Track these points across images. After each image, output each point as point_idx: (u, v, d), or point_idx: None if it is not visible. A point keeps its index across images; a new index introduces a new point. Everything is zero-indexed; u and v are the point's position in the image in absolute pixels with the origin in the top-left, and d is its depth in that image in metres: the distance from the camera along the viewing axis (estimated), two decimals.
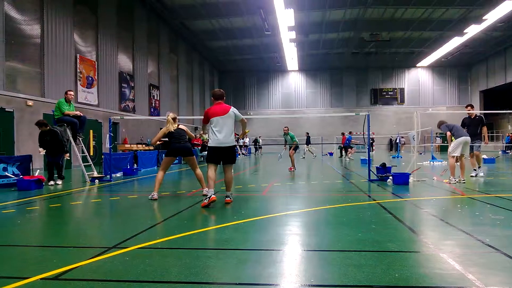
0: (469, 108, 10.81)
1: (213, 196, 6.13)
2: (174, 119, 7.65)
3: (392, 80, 45.05)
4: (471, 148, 10.56)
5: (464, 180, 9.46)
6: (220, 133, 6.38)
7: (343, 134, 27.38)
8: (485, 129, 10.65)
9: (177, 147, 7.37)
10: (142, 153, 16.26)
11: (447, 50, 35.26)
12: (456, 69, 44.03)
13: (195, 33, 32.84)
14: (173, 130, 7.50)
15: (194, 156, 7.75)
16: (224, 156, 6.49)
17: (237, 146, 32.81)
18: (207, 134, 6.75)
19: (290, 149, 14.82)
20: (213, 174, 6.45)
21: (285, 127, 15.07)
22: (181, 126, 7.70)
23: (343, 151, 25.45)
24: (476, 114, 10.65)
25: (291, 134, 14.82)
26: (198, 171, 7.61)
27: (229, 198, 6.55)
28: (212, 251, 3.67)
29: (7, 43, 13.65)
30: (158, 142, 7.89)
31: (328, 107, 45.22)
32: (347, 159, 22.82)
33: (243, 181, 10.85)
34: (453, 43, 32.60)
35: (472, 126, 10.57)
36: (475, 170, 10.72)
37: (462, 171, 9.70)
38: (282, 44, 32.27)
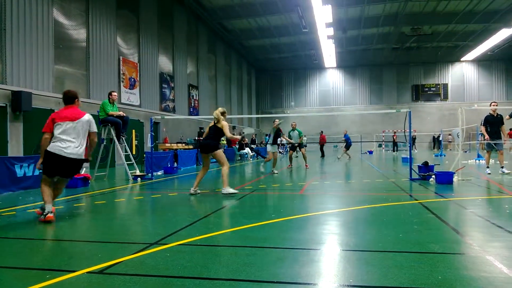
0: (494, 107, 10.97)
1: (49, 215, 5.05)
2: (222, 113, 7.85)
3: (434, 76, 43.51)
4: (496, 146, 10.89)
5: None
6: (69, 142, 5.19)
7: (321, 132, 26.74)
8: (503, 127, 10.97)
9: (199, 144, 7.76)
10: (182, 152, 16.59)
11: (494, 43, 33.53)
12: (503, 63, 41.87)
13: (232, 33, 33.12)
14: (210, 126, 7.87)
15: (219, 152, 7.68)
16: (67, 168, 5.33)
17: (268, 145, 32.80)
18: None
19: (296, 147, 14.82)
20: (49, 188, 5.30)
21: (293, 122, 14.95)
22: (219, 124, 7.75)
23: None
24: (497, 113, 10.95)
25: (299, 130, 14.90)
26: (224, 168, 7.65)
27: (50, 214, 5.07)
28: (250, 249, 3.70)
29: (55, 47, 14.32)
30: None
31: (367, 104, 44.32)
32: (340, 157, 22.29)
33: (280, 180, 10.85)
34: (501, 35, 30.95)
35: (495, 124, 10.87)
36: (502, 167, 10.93)
37: None
38: (319, 41, 31.91)
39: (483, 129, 11.04)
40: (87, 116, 5.41)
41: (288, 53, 40.25)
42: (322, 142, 26.39)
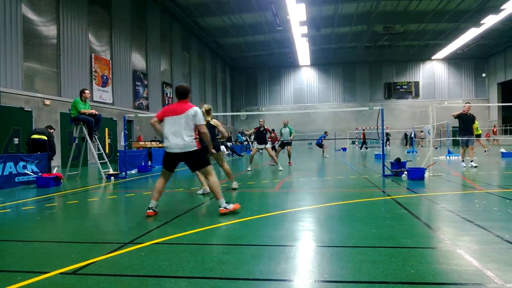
0: (468, 106, 12.35)
1: (149, 211, 5.19)
2: (207, 111, 7.46)
3: (406, 74, 44.48)
4: (467, 142, 12.23)
5: None
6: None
7: (273, 131, 26.73)
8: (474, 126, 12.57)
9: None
10: (156, 150, 16.38)
11: (463, 42, 34.55)
12: (472, 61, 43.21)
13: (207, 31, 32.93)
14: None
15: (220, 152, 7.66)
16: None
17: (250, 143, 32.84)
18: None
19: (285, 144, 14.99)
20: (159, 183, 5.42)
21: (285, 119, 15.12)
22: (212, 122, 7.48)
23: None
24: (470, 112, 12.31)
25: (290, 127, 14.98)
26: (226, 165, 7.80)
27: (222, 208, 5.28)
28: (225, 247, 3.69)
29: (25, 44, 13.89)
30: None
31: (341, 102, 44.91)
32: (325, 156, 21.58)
33: (256, 177, 10.87)
34: (470, 34, 31.94)
35: (467, 122, 12.20)
36: (471, 161, 12.16)
37: None
38: (293, 39, 32.11)
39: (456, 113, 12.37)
40: (194, 109, 5.29)
41: (263, 51, 40.34)
42: (274, 141, 25.96)
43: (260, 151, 13.10)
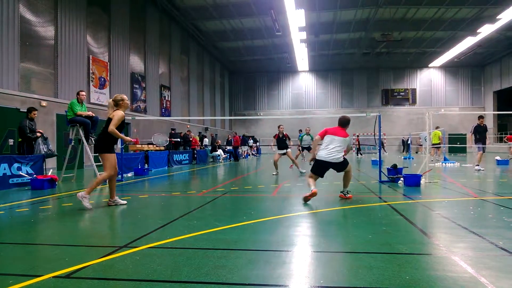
0: (481, 120, 14.34)
1: (314, 189, 6.80)
2: (119, 101, 6.55)
3: (403, 81, 44.63)
4: (481, 148, 14.21)
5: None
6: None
7: (235, 134, 26.85)
8: (486, 135, 14.44)
9: None
10: (153, 153, 16.37)
11: (460, 50, 34.72)
12: (469, 70, 43.43)
13: (206, 34, 32.97)
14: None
15: (107, 156, 6.42)
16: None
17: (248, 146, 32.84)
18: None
19: (305, 149, 16.94)
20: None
21: (307, 128, 17.60)
22: (111, 115, 6.41)
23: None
24: (484, 123, 14.45)
25: (311, 135, 16.74)
26: (103, 175, 6.53)
27: (342, 193, 7.48)
28: (221, 251, 3.68)
29: (22, 44, 13.86)
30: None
31: (338, 108, 45.01)
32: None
33: (253, 182, 10.86)
34: (466, 43, 32.11)
35: (483, 132, 14.35)
36: (477, 165, 13.84)
37: None
38: (292, 44, 32.19)
39: (471, 137, 14.62)
40: (348, 138, 7.30)
41: (262, 55, 40.39)
42: (235, 145, 25.56)
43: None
